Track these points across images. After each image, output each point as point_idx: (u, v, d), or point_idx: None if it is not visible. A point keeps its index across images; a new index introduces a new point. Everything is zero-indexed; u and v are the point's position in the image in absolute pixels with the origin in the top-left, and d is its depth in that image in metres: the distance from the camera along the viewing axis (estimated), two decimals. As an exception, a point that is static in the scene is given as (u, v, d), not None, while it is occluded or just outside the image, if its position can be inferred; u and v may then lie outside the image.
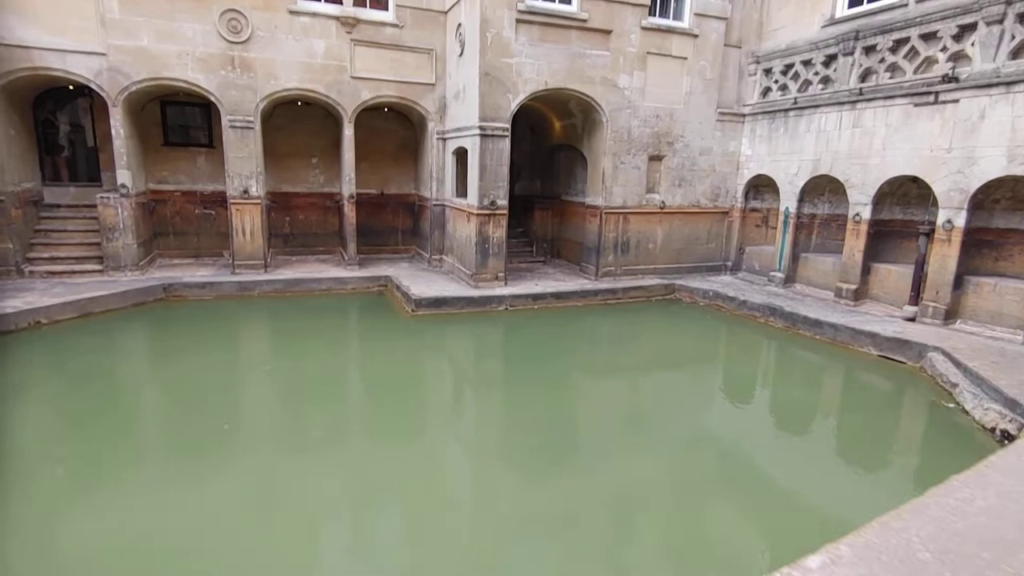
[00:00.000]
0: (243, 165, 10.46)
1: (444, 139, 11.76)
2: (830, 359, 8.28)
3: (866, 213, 9.62)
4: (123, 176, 9.92)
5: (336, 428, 5.85)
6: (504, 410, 6.61)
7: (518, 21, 9.70)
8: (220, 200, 11.33)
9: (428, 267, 12.20)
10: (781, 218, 11.25)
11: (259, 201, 10.71)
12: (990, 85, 7.81)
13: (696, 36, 11.19)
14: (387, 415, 6.15)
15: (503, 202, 10.27)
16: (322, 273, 11.12)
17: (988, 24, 7.85)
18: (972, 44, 8.10)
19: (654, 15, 10.90)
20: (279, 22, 10.18)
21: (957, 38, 8.28)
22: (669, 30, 10.98)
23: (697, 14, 11.14)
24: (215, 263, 11.47)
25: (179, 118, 11.55)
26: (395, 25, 10.92)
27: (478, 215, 10.16)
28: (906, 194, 9.54)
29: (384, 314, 9.79)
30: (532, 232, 13.52)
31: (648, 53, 10.85)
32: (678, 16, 11.20)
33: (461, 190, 11.19)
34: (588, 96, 10.59)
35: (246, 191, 10.56)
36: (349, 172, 11.33)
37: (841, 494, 4.83)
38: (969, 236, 8.34)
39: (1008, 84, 7.62)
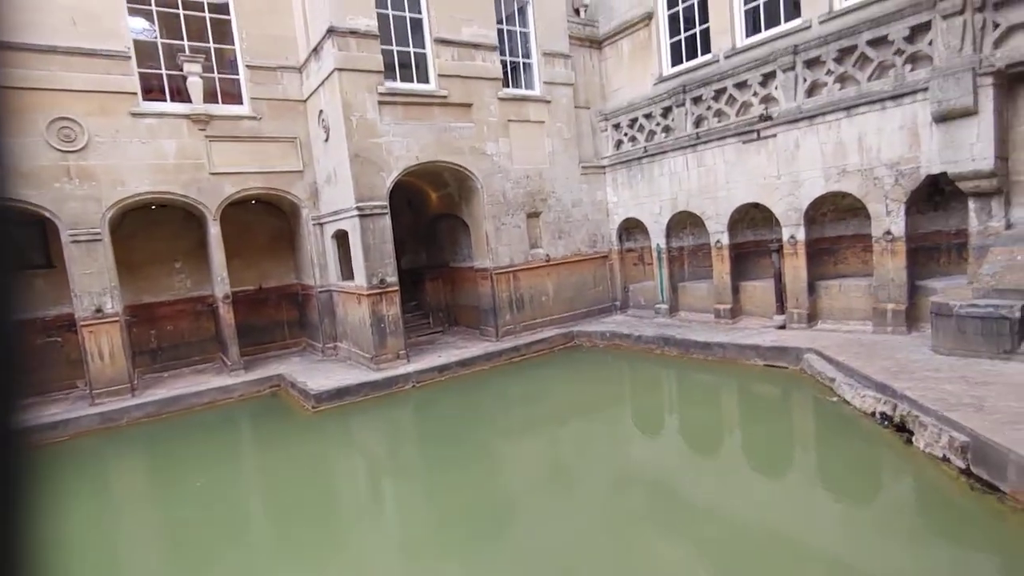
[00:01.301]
0: (93, 281, 9.37)
1: (321, 224, 11.44)
2: (724, 376, 8.87)
3: (724, 239, 10.69)
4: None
5: (249, 560, 5.14)
6: (430, 495, 6.23)
7: (380, 103, 9.89)
8: (67, 324, 9.97)
9: (323, 357, 11.52)
10: (655, 254, 12.16)
11: (116, 318, 9.59)
12: (797, 120, 9.21)
13: (549, 102, 12.11)
14: (304, 530, 5.52)
15: (393, 279, 10.09)
16: (202, 385, 10.06)
17: (784, 71, 9.33)
18: (776, 88, 9.56)
19: (508, 86, 11.67)
20: (121, 126, 9.51)
21: (763, 84, 9.73)
22: (524, 98, 11.79)
23: (546, 82, 12.10)
24: (68, 396, 9.96)
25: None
26: (253, 117, 10.65)
27: (369, 295, 9.87)
28: (753, 219, 10.77)
29: (281, 417, 9.00)
30: (426, 303, 13.38)
31: (509, 121, 11.51)
32: (530, 85, 12.10)
33: (347, 273, 10.86)
34: (460, 166, 10.93)
35: (99, 309, 9.41)
36: (220, 272, 10.56)
37: (763, 501, 5.06)
38: (811, 247, 9.53)
39: (811, 118, 9.02)
